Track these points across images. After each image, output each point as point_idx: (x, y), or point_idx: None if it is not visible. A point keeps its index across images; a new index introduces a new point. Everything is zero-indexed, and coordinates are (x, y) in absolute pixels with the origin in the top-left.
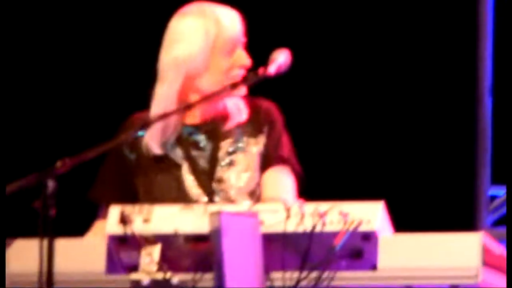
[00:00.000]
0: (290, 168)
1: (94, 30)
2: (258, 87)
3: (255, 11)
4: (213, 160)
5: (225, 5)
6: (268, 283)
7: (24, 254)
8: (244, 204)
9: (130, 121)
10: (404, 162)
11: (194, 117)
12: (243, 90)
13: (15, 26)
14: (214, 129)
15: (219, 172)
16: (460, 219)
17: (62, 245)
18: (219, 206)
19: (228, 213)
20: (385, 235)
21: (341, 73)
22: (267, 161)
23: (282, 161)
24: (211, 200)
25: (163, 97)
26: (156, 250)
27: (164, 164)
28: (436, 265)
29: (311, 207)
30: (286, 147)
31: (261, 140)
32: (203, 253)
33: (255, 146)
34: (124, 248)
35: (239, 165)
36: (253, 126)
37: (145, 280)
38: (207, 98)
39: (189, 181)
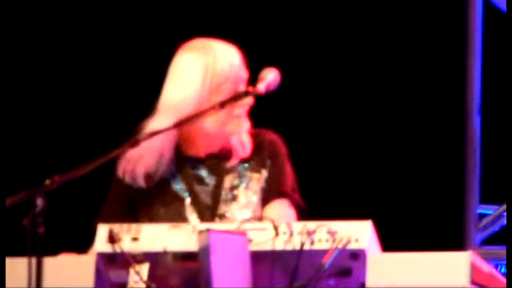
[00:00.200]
0: (291, 201)
1: (88, 49)
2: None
3: (244, 30)
4: (216, 196)
5: (224, 40)
6: None
7: (13, 273)
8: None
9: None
10: (392, 181)
11: (197, 150)
12: (247, 125)
13: (9, 45)
14: (218, 164)
15: (222, 207)
16: (449, 238)
17: (51, 263)
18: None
19: (217, 231)
20: (373, 253)
21: (329, 92)
22: (268, 196)
23: (283, 195)
24: None
25: (155, 129)
26: (144, 268)
27: (167, 196)
28: (425, 284)
29: (300, 225)
30: (288, 181)
31: (264, 175)
32: (192, 271)
33: (258, 182)
34: (112, 266)
35: (241, 200)
36: (256, 161)
37: None
38: (195, 116)
39: (192, 216)
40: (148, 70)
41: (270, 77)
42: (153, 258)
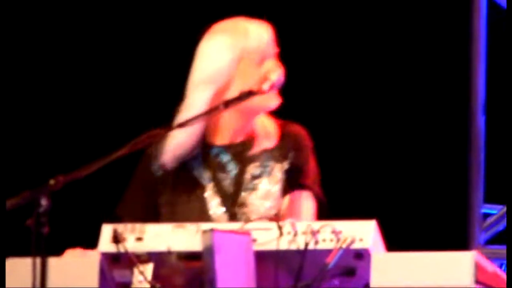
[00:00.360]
0: (312, 193)
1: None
2: None
3: None
4: (238, 184)
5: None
6: None
7: (17, 273)
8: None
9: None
10: (397, 181)
11: (223, 137)
12: (276, 102)
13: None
14: (241, 152)
15: (243, 196)
16: (453, 237)
17: (55, 263)
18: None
19: (221, 231)
20: (378, 253)
21: (333, 91)
22: (289, 187)
23: (303, 187)
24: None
25: (191, 112)
26: (148, 268)
27: (189, 183)
28: (429, 283)
29: (304, 225)
30: (310, 174)
31: (285, 166)
32: (196, 271)
33: (280, 172)
34: (117, 266)
35: (262, 190)
36: (280, 151)
37: None
38: (201, 115)
39: (213, 203)
40: (153, 74)
41: (274, 77)
42: (157, 258)
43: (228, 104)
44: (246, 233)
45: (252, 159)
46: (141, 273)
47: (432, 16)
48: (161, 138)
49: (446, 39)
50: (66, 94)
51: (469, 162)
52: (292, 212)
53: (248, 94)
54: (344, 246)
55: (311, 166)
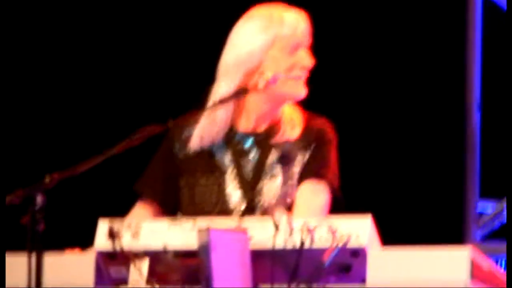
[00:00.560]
0: (328, 185)
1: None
2: None
3: None
4: (258, 171)
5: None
6: None
7: (12, 269)
8: (278, 216)
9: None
10: (392, 176)
11: (247, 123)
12: (304, 91)
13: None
14: (265, 139)
15: (261, 183)
16: (449, 233)
17: (51, 260)
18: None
19: (217, 229)
20: (373, 250)
21: (331, 88)
22: (304, 175)
23: (319, 176)
24: (248, 209)
25: (221, 93)
26: (144, 266)
27: (210, 166)
28: (425, 279)
29: (300, 222)
30: (329, 167)
31: (306, 158)
32: (192, 268)
33: (299, 163)
34: (113, 263)
35: (280, 178)
36: (302, 143)
37: None
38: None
39: (231, 187)
40: (150, 70)
41: (268, 75)
42: (153, 255)
43: (223, 102)
44: (242, 231)
45: (274, 147)
46: (138, 270)
47: (427, 13)
48: (188, 122)
49: (442, 36)
50: (62, 91)
51: (465, 159)
52: (303, 202)
53: (242, 91)
54: (340, 244)
55: (331, 161)
